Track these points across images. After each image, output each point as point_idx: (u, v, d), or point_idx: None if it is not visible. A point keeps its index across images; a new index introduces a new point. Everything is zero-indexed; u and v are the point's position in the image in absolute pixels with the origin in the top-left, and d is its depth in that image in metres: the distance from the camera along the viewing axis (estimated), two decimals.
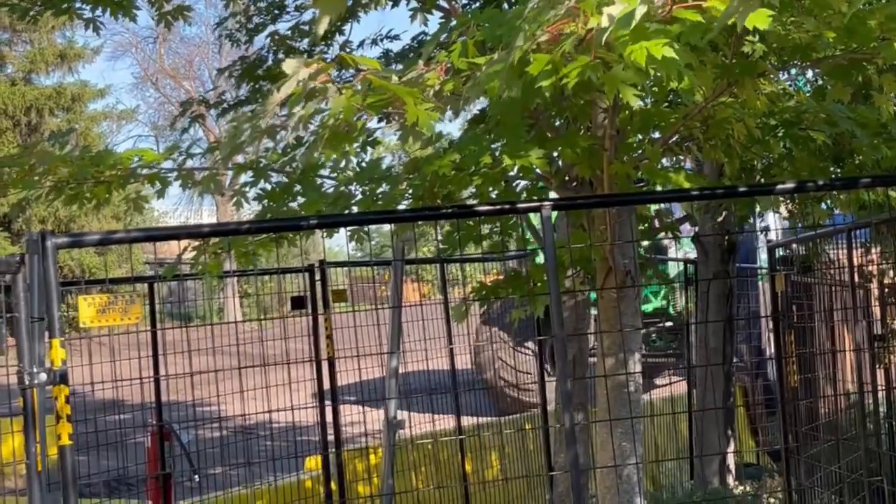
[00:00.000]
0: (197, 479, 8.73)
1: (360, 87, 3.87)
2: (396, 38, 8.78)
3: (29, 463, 4.50)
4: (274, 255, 6.54)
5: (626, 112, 5.44)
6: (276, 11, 8.16)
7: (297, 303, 8.12)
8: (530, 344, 15.39)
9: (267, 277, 10.60)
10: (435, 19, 6.89)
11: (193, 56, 50.67)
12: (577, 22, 3.28)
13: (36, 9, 6.93)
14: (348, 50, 8.01)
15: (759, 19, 3.01)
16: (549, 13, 3.28)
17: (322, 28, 2.37)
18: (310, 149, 4.33)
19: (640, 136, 5.78)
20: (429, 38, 5.01)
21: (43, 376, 4.37)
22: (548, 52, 3.40)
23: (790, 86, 7.44)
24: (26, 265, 4.47)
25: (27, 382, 4.39)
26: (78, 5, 6.81)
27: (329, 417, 7.68)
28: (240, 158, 5.64)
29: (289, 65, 3.70)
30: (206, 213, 48.23)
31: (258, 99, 7.72)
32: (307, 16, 8.09)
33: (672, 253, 16.30)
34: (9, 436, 10.01)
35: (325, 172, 5.82)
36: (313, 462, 8.30)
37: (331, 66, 3.78)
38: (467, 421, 9.53)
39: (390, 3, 7.16)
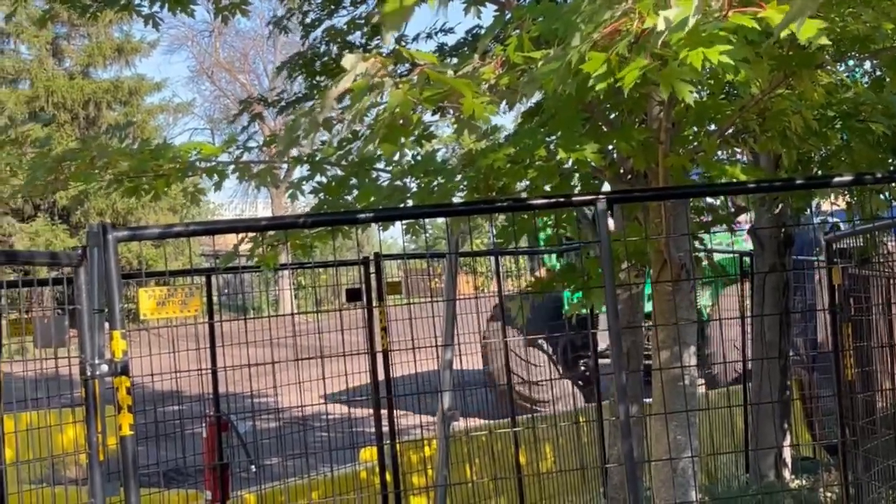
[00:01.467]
0: (254, 470, 8.80)
1: (416, 81, 3.89)
2: (451, 31, 8.80)
3: (91, 453, 4.55)
4: (328, 248, 6.58)
5: (682, 105, 5.41)
6: (332, 7, 8.19)
7: (353, 295, 8.15)
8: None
9: (321, 270, 10.64)
10: (489, 12, 6.91)
11: (248, 49, 50.95)
12: (633, 21, 3.27)
13: (96, 5, 7.02)
14: (403, 44, 8.03)
15: (809, 30, 3.02)
16: (606, 13, 3.28)
17: (388, 40, 2.38)
18: (366, 141, 4.36)
19: (695, 129, 5.75)
20: (483, 31, 5.02)
21: (104, 367, 4.43)
22: (603, 49, 3.40)
23: (848, 77, 7.38)
24: (87, 258, 4.52)
25: (89, 373, 4.44)
26: (137, 1, 6.90)
27: (384, 409, 7.71)
28: (295, 152, 5.68)
29: (347, 60, 3.72)
30: (262, 206, 48.54)
31: (315, 94, 7.76)
32: (362, 9, 8.12)
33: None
34: (68, 426, 10.14)
35: (379, 166, 5.85)
36: (368, 453, 8.34)
37: (389, 60, 3.80)
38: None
39: None
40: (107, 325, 4.50)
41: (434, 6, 1.98)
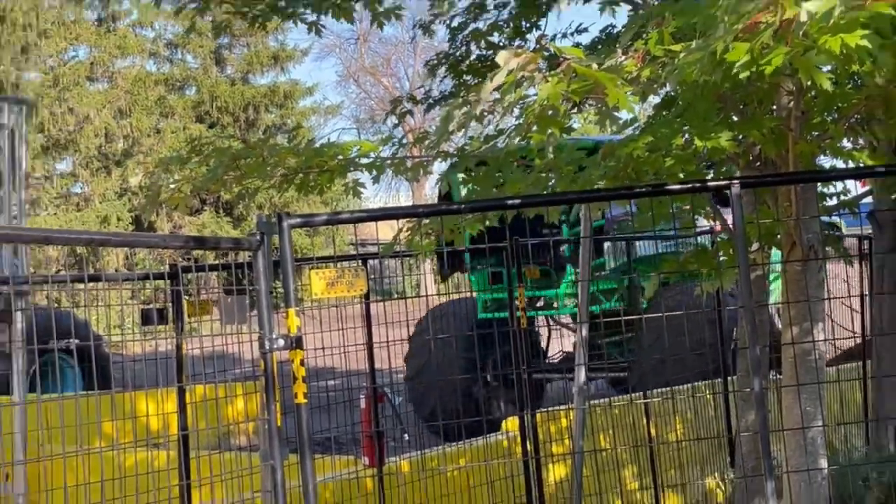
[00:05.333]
0: (406, 438, 8.90)
1: (564, 75, 3.88)
2: (585, 31, 8.74)
3: (269, 419, 4.64)
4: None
5: (811, 94, 5.31)
6: (477, 11, 8.22)
7: (495, 278, 8.20)
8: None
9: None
10: (623, 11, 6.87)
11: (391, 55, 51.40)
12: (775, 12, 3.22)
13: (265, 15, 7.15)
14: (544, 43, 8.03)
15: None
16: (749, 5, 3.25)
17: (564, 6, 2.37)
18: (517, 131, 4.37)
19: (823, 116, 5.64)
20: (619, 30, 4.99)
21: (281, 342, 4.52)
22: (745, 40, 3.36)
23: None
24: (264, 243, 4.62)
25: (267, 347, 4.54)
26: (301, 10, 7.01)
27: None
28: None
29: (501, 56, 3.74)
30: (403, 198, 48.91)
31: (461, 92, 7.80)
32: (504, 13, 8.13)
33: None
34: (238, 399, 10.35)
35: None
36: (511, 423, 8.35)
37: (539, 55, 3.81)
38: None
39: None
40: (283, 304, 4.60)
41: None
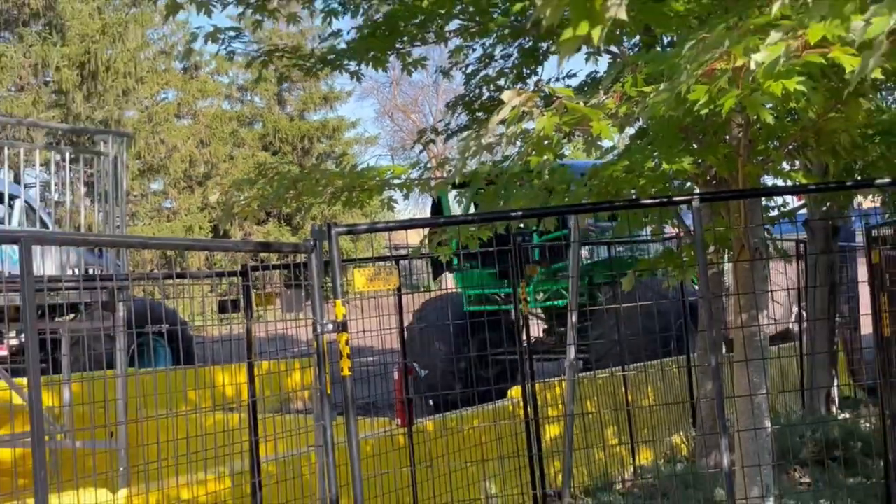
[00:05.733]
0: (431, 404, 8.87)
1: (557, 110, 3.87)
2: (574, 76, 8.75)
3: (321, 388, 4.65)
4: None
5: (756, 126, 5.28)
6: (487, 60, 8.21)
7: (503, 275, 8.16)
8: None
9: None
10: (604, 60, 6.85)
11: (418, 95, 51.44)
12: (729, 61, 3.20)
13: (317, 66, 7.16)
14: (541, 86, 8.02)
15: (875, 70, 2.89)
16: (707, 56, 3.22)
17: (563, 62, 2.36)
18: (519, 156, 4.35)
19: (766, 144, 5.61)
20: (601, 75, 4.97)
21: (330, 326, 4.53)
22: (704, 83, 3.34)
23: (885, 103, 7.08)
24: (317, 247, 4.63)
25: (319, 331, 4.55)
26: (346, 62, 7.02)
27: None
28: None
29: (506, 95, 3.72)
30: (428, 211, 48.69)
31: (474, 125, 7.80)
32: (509, 63, 8.12)
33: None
34: (295, 372, 10.34)
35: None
36: (516, 391, 8.33)
37: (536, 95, 3.79)
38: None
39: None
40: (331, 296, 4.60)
41: (597, 41, 1.97)
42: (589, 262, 12.80)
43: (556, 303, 12.46)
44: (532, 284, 12.23)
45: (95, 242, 7.49)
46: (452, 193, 11.12)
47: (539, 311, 13.58)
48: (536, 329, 14.32)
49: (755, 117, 3.82)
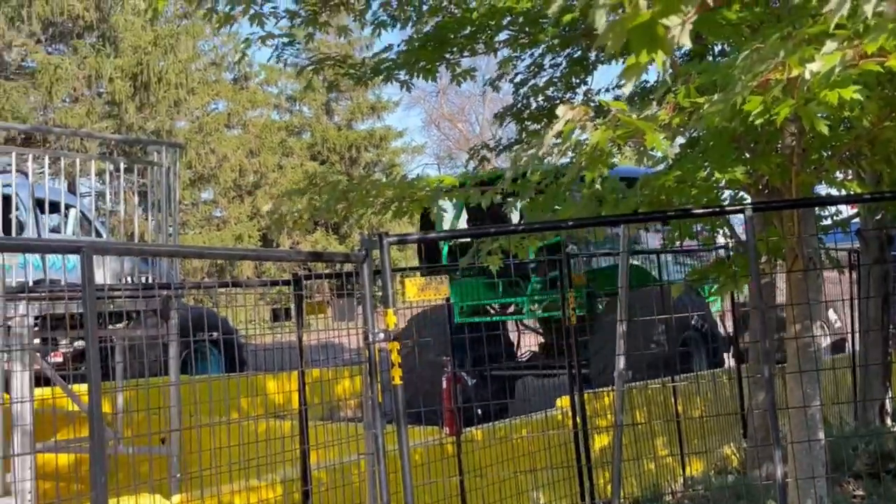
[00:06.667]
0: (480, 412, 8.87)
1: (610, 123, 3.86)
2: (622, 86, 8.69)
3: (372, 396, 4.67)
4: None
5: (810, 135, 5.23)
6: (536, 69, 8.21)
7: (552, 283, 8.14)
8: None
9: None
10: (653, 69, 6.80)
11: (465, 105, 51.49)
12: (783, 71, 3.18)
13: (368, 76, 7.21)
14: (590, 96, 8.01)
15: None
16: (762, 66, 3.21)
17: (628, 89, 2.36)
18: (572, 168, 4.35)
19: (820, 153, 5.55)
20: (651, 84, 4.95)
21: (381, 335, 4.55)
22: (759, 94, 3.32)
23: None
24: (368, 257, 4.65)
25: (371, 339, 4.57)
26: (396, 71, 7.06)
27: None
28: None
29: (560, 109, 3.72)
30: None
31: (524, 137, 7.80)
32: (558, 71, 8.11)
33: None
34: (345, 380, 10.39)
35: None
36: (564, 401, 8.30)
37: (589, 108, 3.79)
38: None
39: (621, 60, 7.10)
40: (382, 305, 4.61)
41: (661, 68, 1.98)
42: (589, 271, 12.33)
43: (553, 314, 12.01)
44: (527, 294, 11.78)
45: (153, 252, 7.60)
46: (443, 203, 10.49)
47: (535, 323, 13.03)
48: (529, 341, 13.60)
49: (809, 127, 3.79)
